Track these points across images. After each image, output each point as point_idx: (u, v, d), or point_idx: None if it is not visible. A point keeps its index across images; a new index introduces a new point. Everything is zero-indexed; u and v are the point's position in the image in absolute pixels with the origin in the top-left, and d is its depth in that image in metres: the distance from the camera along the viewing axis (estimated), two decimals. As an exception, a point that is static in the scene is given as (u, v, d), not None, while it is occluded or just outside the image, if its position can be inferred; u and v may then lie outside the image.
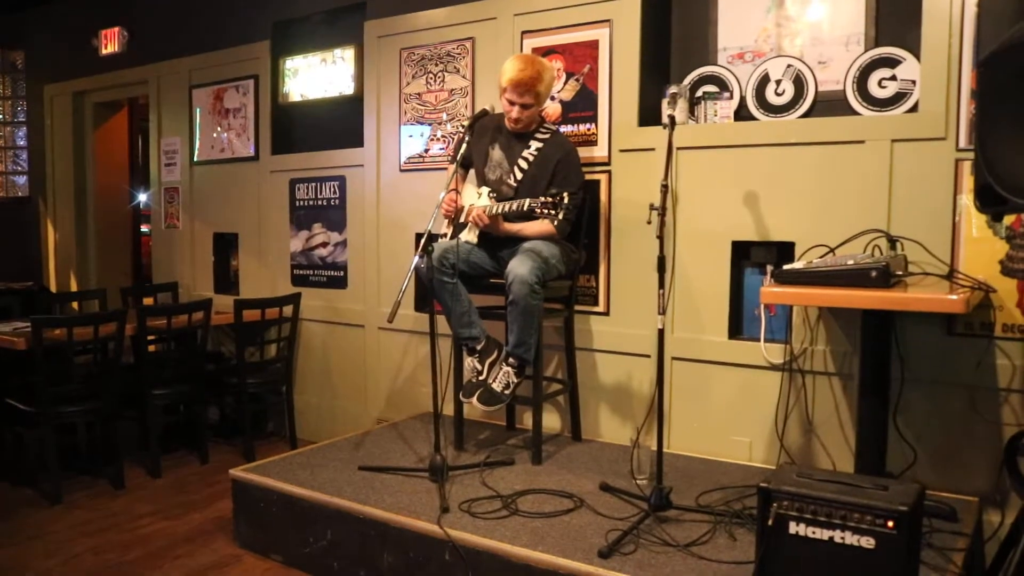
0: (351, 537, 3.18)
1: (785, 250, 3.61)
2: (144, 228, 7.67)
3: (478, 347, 3.69)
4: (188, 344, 4.99)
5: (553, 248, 3.63)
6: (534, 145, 3.74)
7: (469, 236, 3.80)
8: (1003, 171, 2.26)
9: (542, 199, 3.34)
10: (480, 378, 3.67)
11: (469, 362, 3.73)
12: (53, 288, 7.05)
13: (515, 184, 3.74)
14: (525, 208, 3.46)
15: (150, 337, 4.78)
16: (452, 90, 4.58)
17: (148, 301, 5.79)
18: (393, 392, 4.94)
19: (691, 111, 3.89)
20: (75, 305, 5.99)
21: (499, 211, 3.62)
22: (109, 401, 4.37)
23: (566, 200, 3.31)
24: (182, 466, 4.79)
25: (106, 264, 7.18)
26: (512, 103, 3.63)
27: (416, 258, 3.43)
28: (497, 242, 3.77)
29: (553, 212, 3.31)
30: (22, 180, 7.40)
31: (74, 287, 7.00)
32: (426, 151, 4.72)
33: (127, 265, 7.43)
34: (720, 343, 3.77)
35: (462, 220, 3.82)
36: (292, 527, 3.38)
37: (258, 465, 3.73)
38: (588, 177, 3.95)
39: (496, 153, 3.82)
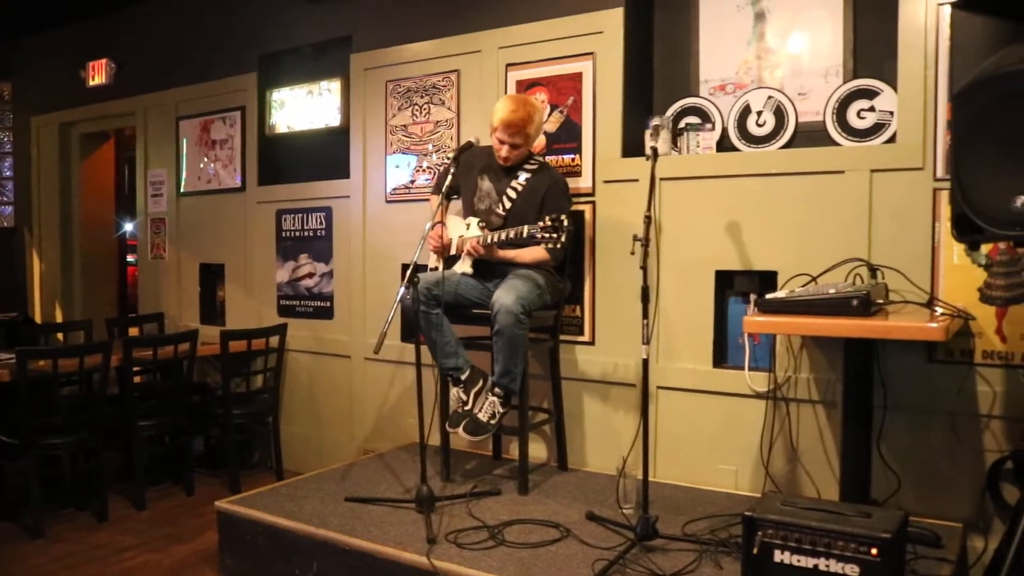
0: (338, 569, 3.16)
1: (768, 279, 3.65)
2: (130, 259, 7.66)
3: (462, 377, 3.70)
4: (174, 375, 4.97)
5: (540, 277, 3.67)
6: (522, 176, 3.79)
7: (464, 267, 3.83)
8: (978, 201, 2.31)
9: (541, 224, 3.36)
10: (466, 408, 3.68)
11: (454, 392, 3.74)
12: (38, 319, 7.01)
13: (503, 213, 3.78)
14: (524, 235, 3.47)
15: (136, 368, 4.77)
16: (438, 122, 4.63)
17: (134, 332, 5.78)
18: (379, 423, 4.93)
19: (674, 142, 3.94)
20: (60, 336, 5.97)
21: (495, 240, 3.64)
22: (94, 433, 4.35)
23: (565, 223, 3.34)
24: (167, 498, 4.76)
25: (91, 295, 7.15)
26: (502, 142, 3.69)
27: (402, 289, 3.44)
28: (490, 271, 3.79)
29: (556, 236, 3.33)
30: (7, 211, 7.40)
31: (59, 318, 6.97)
32: (412, 182, 4.75)
33: (113, 296, 7.41)
34: (704, 372, 3.79)
35: (453, 252, 3.85)
36: (278, 559, 3.35)
37: (244, 497, 3.71)
38: (572, 208, 3.98)
39: (485, 184, 3.86)
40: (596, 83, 4.07)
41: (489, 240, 3.65)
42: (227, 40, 5.68)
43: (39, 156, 7.12)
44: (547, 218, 3.36)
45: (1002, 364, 3.17)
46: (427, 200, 4.59)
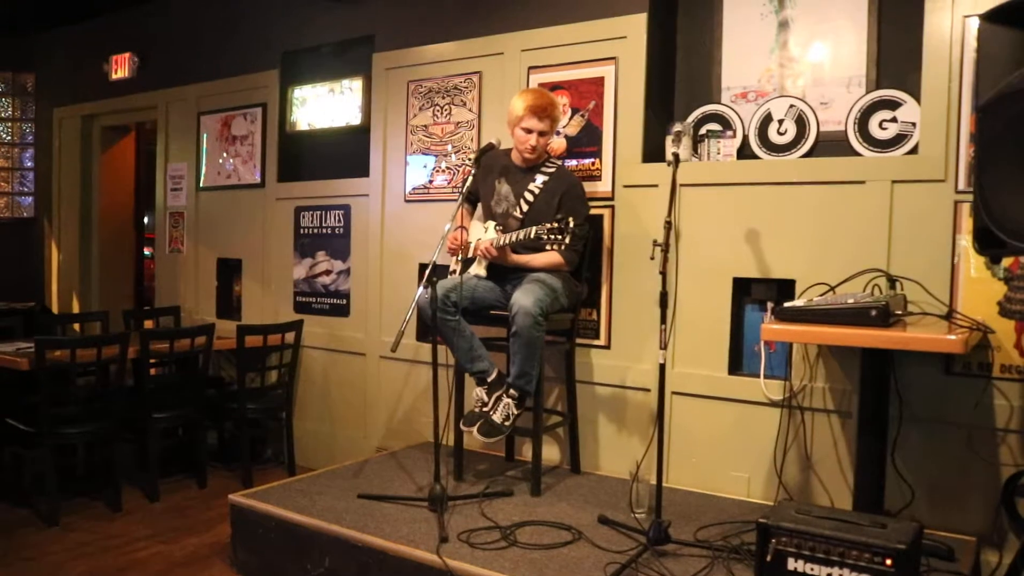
0: (349, 565, 3.17)
1: (786, 287, 3.64)
2: (147, 252, 7.71)
3: (488, 379, 3.72)
4: (189, 368, 5.00)
5: (557, 280, 3.67)
6: (540, 178, 3.80)
7: (478, 270, 3.85)
8: (1001, 215, 2.30)
9: (548, 225, 3.38)
10: (484, 409, 3.69)
11: (477, 392, 3.75)
12: (55, 309, 7.07)
13: (521, 216, 3.79)
14: (532, 236, 3.49)
15: (152, 360, 4.79)
16: (458, 123, 4.64)
17: (149, 324, 5.81)
18: (393, 421, 4.95)
19: (695, 149, 3.94)
20: (77, 327, 6.01)
21: (506, 242, 3.65)
22: (109, 423, 4.38)
23: (571, 225, 3.35)
24: (180, 490, 4.78)
25: (109, 286, 7.20)
26: (530, 131, 3.71)
27: (420, 289, 3.45)
28: (504, 274, 3.81)
29: (560, 238, 3.35)
30: (28, 201, 7.46)
31: (76, 309, 7.03)
32: (431, 182, 4.77)
33: (129, 288, 7.46)
34: (720, 378, 3.79)
35: (470, 255, 3.87)
36: (290, 554, 3.37)
37: (257, 491, 3.74)
38: (591, 212, 3.98)
39: (503, 187, 3.87)
40: (618, 88, 4.07)
41: (501, 242, 3.66)
42: (250, 37, 5.72)
43: (60, 147, 7.18)
44: (553, 220, 3.38)
45: (1020, 379, 3.15)
46: (446, 201, 4.61)
